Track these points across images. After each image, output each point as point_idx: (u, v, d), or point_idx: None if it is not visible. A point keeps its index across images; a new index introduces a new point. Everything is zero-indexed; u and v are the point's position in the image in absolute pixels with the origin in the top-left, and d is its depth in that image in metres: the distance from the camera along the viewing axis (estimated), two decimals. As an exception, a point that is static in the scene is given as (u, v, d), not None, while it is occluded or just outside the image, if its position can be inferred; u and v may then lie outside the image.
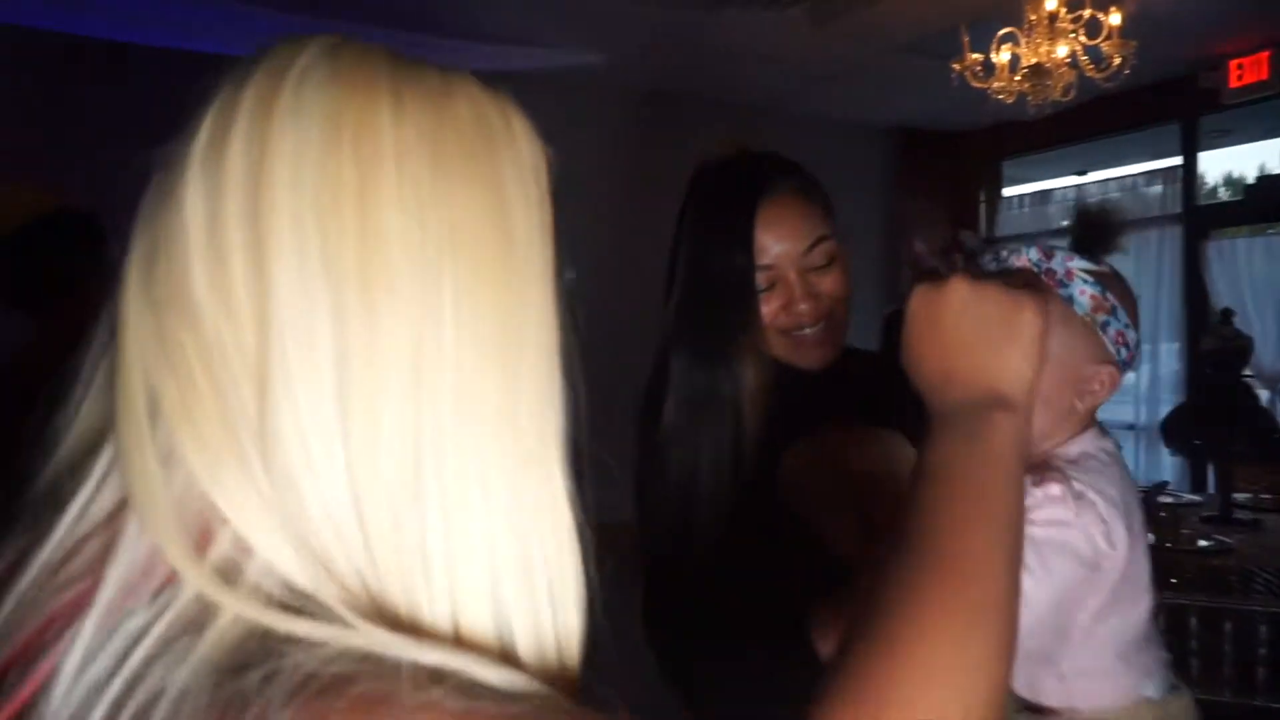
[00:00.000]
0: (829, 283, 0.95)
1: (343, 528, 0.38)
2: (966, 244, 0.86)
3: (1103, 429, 0.79)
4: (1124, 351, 0.74)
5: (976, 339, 0.57)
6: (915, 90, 5.16)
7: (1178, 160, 5.34)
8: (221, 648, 0.35)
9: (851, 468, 0.94)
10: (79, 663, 0.35)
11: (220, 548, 0.37)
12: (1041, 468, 0.73)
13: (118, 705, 0.34)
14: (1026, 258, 0.75)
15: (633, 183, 5.47)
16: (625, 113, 5.38)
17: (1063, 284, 0.73)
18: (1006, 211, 6.40)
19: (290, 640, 0.35)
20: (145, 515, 0.37)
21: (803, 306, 0.92)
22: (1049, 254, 0.74)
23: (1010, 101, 3.30)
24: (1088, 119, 5.06)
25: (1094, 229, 0.76)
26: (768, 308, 0.92)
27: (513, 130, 0.44)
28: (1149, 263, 5.37)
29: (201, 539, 0.37)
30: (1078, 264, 0.74)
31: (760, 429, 0.91)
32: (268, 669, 0.33)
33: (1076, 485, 0.69)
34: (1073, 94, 3.23)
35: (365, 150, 0.39)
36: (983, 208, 6.45)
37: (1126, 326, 0.74)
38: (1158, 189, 5.43)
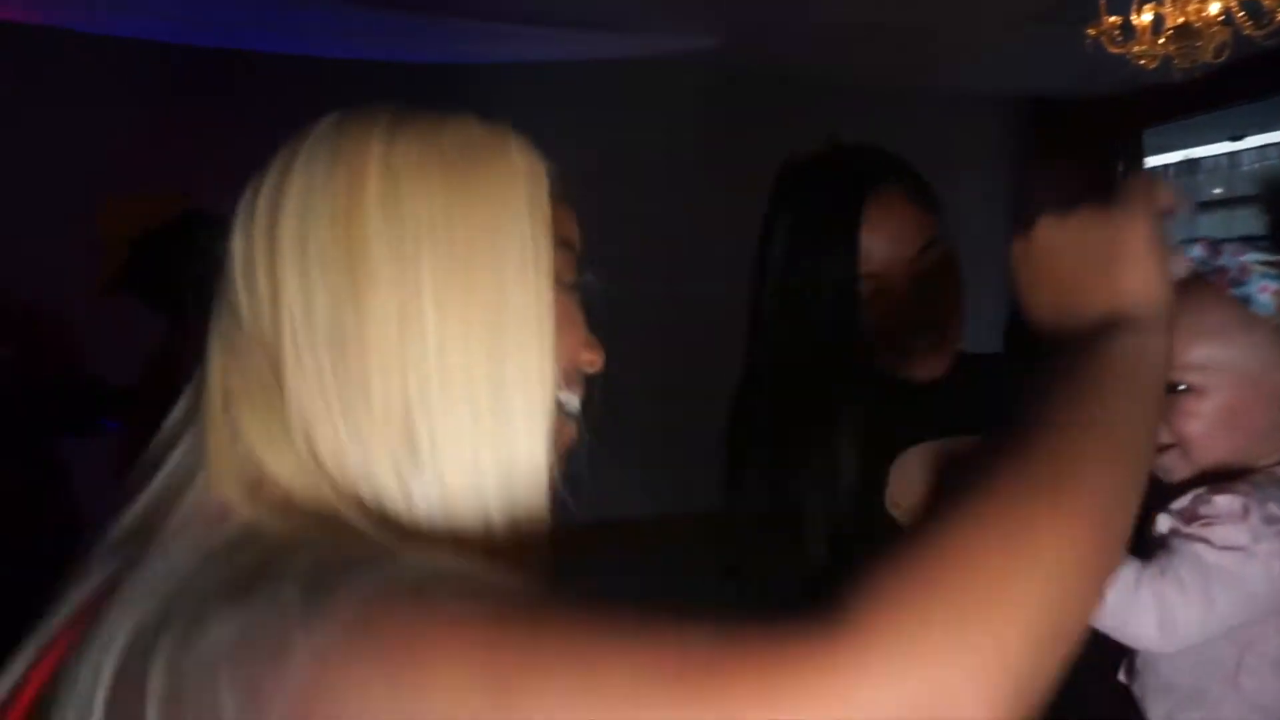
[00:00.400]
0: (940, 289, 0.87)
1: (356, 483, 0.47)
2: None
3: None
4: None
5: (1080, 266, 0.53)
6: (1043, 57, 4.85)
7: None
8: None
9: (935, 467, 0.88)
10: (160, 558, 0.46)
11: (268, 493, 0.47)
12: (1234, 480, 0.64)
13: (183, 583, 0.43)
14: (1190, 258, 0.65)
15: (749, 168, 5.40)
16: (737, 96, 5.30)
17: (1237, 282, 0.64)
18: (1148, 184, 5.97)
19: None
20: (215, 474, 0.48)
21: (912, 316, 0.86)
22: (1216, 249, 0.65)
23: (1152, 67, 3.04)
24: (1241, 79, 4.61)
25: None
26: (873, 317, 0.86)
27: (505, 147, 0.51)
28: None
29: (253, 491, 0.47)
30: (1253, 257, 0.65)
31: (866, 444, 0.85)
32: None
33: (1272, 508, 0.59)
34: (1226, 54, 2.94)
35: (355, 173, 0.48)
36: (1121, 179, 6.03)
37: None
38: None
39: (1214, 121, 5.87)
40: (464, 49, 4.17)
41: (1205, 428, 0.66)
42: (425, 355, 0.47)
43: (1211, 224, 5.55)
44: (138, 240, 1.82)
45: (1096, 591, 0.39)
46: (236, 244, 0.52)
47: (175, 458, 0.52)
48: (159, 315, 1.96)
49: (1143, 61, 3.01)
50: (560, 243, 0.53)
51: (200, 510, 0.48)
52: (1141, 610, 0.59)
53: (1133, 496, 0.42)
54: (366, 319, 0.47)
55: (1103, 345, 0.48)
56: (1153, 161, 6.07)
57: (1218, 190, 5.58)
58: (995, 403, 0.91)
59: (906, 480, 0.88)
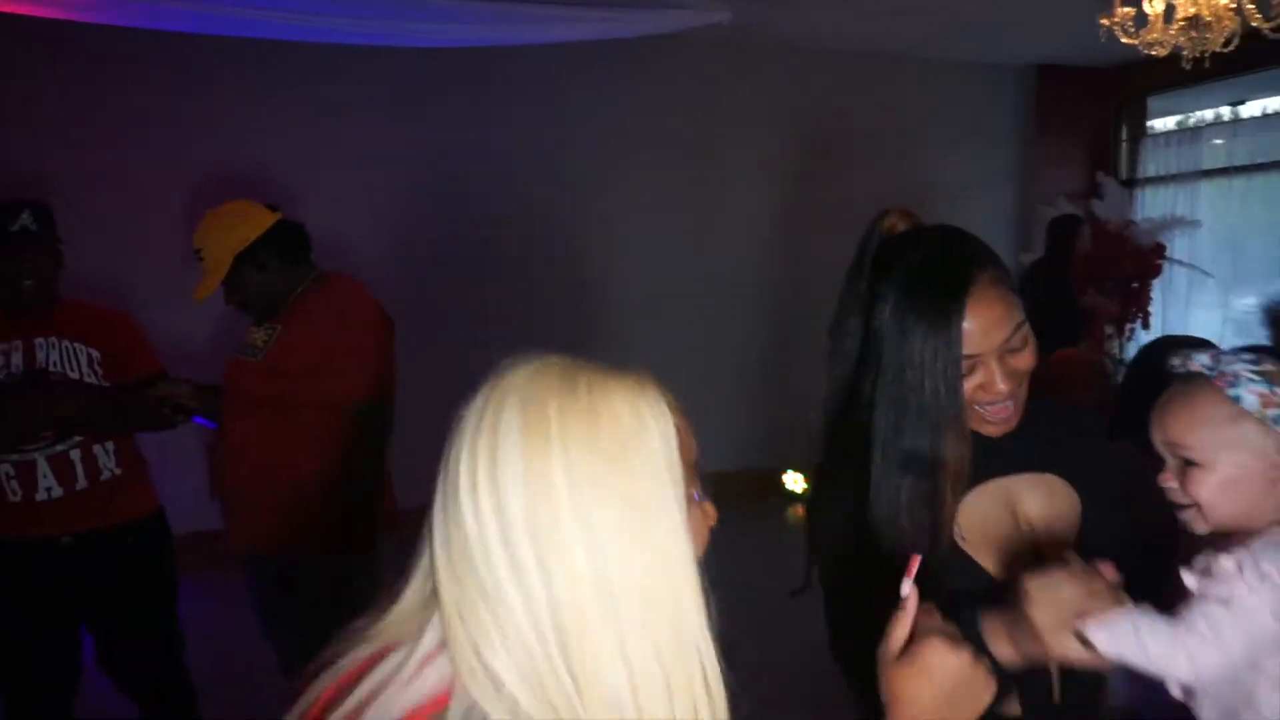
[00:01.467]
0: (1023, 360, 1.01)
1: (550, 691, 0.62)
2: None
3: None
4: None
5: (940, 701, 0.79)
6: (1054, 27, 4.93)
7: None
8: None
9: (1014, 508, 1.06)
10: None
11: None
12: (1233, 542, 0.81)
13: None
14: (1198, 364, 0.83)
15: (785, 137, 5.53)
16: (760, 68, 5.37)
17: (1231, 384, 0.81)
18: (1152, 150, 6.06)
19: None
20: (457, 665, 0.63)
21: (1002, 387, 0.99)
22: (1218, 358, 0.83)
23: (1163, 55, 3.17)
24: (1243, 52, 4.72)
25: (1276, 324, 0.84)
26: (968, 385, 0.99)
27: (643, 421, 0.67)
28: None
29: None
30: (1244, 365, 0.81)
31: (958, 496, 1.01)
32: None
33: (1265, 565, 0.77)
34: (1235, 44, 3.07)
35: (542, 477, 0.63)
36: (1124, 146, 6.12)
37: None
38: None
39: (1215, 89, 5.96)
40: (487, 33, 4.24)
41: (1210, 494, 0.83)
42: (611, 588, 0.63)
43: (1212, 191, 5.68)
44: (241, 253, 1.96)
45: None
46: (465, 509, 0.65)
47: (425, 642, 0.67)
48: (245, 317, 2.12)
49: (1155, 50, 3.13)
50: (692, 465, 0.71)
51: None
52: (1174, 657, 0.77)
53: None
54: (562, 567, 0.63)
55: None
56: (1158, 125, 6.17)
57: (1218, 165, 5.69)
58: (1042, 441, 1.08)
59: (974, 514, 1.05)
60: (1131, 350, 5.51)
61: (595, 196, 5.04)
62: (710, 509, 0.76)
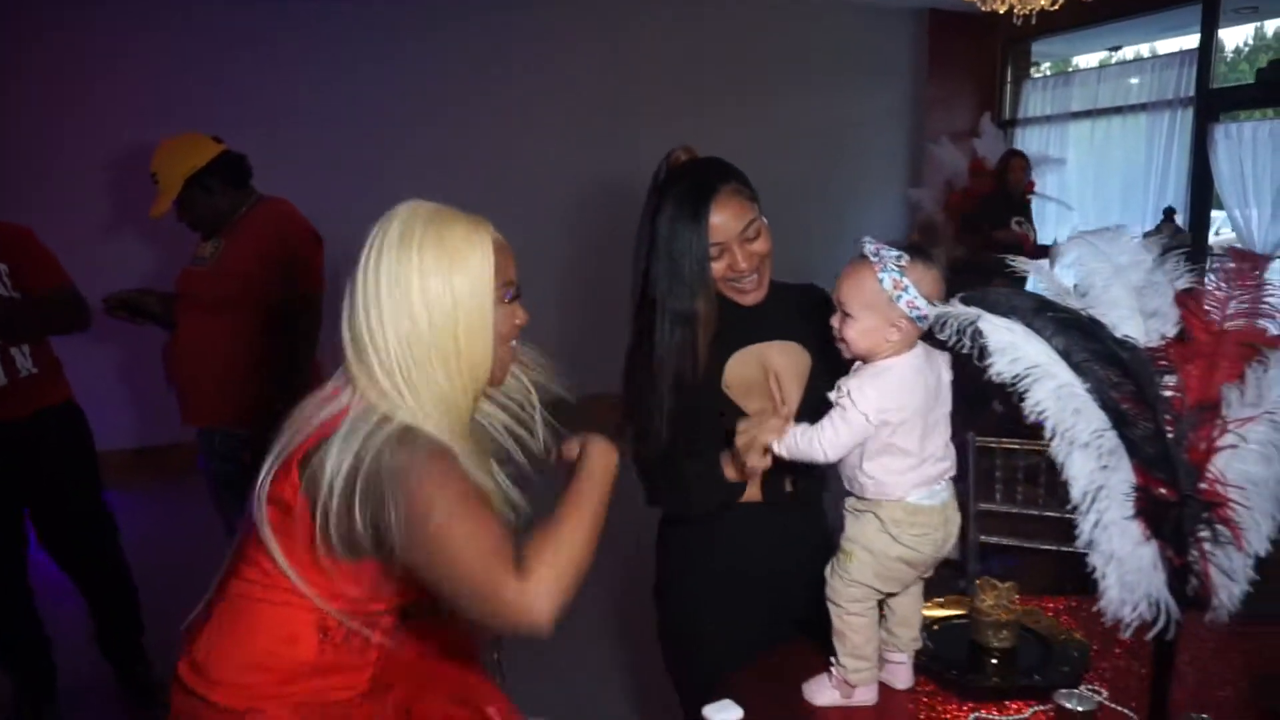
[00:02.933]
0: (758, 246, 1.45)
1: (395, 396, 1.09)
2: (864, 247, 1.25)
3: (929, 350, 1.24)
4: (914, 312, 1.19)
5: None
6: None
7: (1193, 41, 5.49)
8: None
9: (767, 367, 1.51)
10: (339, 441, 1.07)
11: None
12: (856, 372, 1.24)
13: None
14: (867, 251, 1.21)
15: (682, 73, 5.85)
16: (658, 3, 5.66)
17: (882, 269, 1.20)
18: (1031, 92, 6.58)
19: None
20: (356, 387, 1.11)
21: (743, 265, 1.44)
22: (879, 251, 1.21)
23: (1002, 11, 3.62)
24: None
25: (924, 232, 1.31)
26: (719, 266, 1.43)
27: (470, 242, 1.12)
28: (1158, 147, 5.63)
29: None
30: (890, 255, 1.20)
31: (708, 339, 1.46)
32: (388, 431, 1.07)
33: (854, 383, 1.20)
34: (1060, 3, 3.54)
35: (405, 269, 1.09)
36: (1008, 88, 6.63)
37: (916, 297, 1.18)
38: (1172, 71, 5.61)
39: (1096, 35, 6.47)
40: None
41: (854, 335, 1.23)
42: (422, 346, 1.09)
43: (1079, 131, 6.24)
44: (190, 177, 2.32)
45: (591, 547, 1.07)
46: (356, 283, 1.10)
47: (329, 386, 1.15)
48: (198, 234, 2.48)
49: (990, 7, 3.58)
50: (504, 281, 1.15)
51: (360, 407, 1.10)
52: (814, 446, 1.21)
53: (599, 518, 1.10)
54: (398, 334, 1.08)
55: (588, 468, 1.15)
56: (1036, 72, 6.68)
57: (1090, 107, 6.22)
58: (792, 318, 1.54)
59: (736, 370, 1.51)
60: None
61: (501, 136, 5.37)
62: (520, 310, 1.21)
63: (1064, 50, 6.84)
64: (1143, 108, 5.82)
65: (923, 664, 1.35)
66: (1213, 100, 5.36)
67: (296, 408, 1.14)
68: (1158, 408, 0.97)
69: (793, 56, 6.08)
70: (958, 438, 1.32)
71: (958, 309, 0.99)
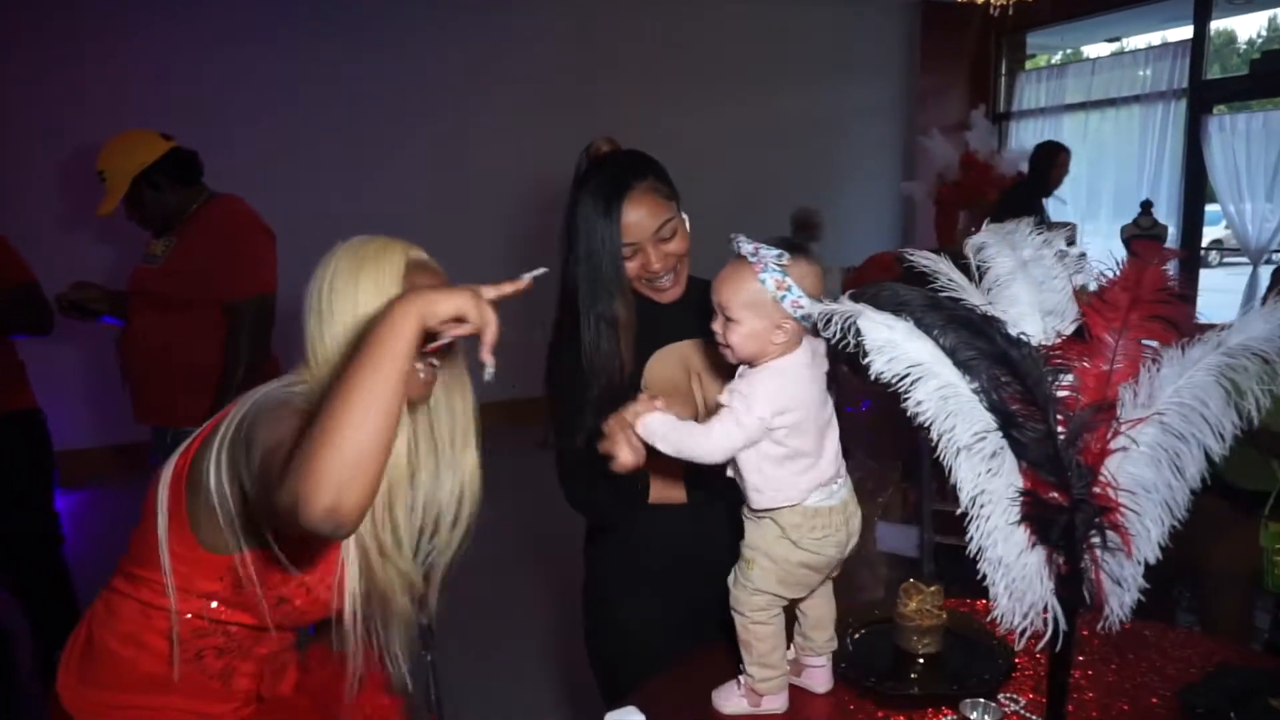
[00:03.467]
0: (673, 246, 1.41)
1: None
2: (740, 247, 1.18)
3: (815, 348, 1.19)
4: (798, 312, 1.13)
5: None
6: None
7: (1188, 32, 5.41)
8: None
9: (688, 365, 1.47)
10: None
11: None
12: (746, 375, 1.18)
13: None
14: (744, 250, 1.15)
15: (669, 62, 5.81)
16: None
17: (763, 269, 1.14)
18: (1025, 84, 6.51)
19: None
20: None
21: (656, 265, 1.39)
22: (757, 249, 1.15)
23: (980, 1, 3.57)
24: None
25: (800, 227, 1.26)
26: (632, 266, 1.39)
27: (380, 253, 1.15)
28: (1152, 139, 5.56)
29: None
30: (769, 255, 1.14)
31: (632, 342, 1.41)
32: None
33: (743, 387, 1.14)
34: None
35: (323, 279, 1.14)
36: (1003, 81, 6.57)
37: (800, 296, 1.13)
38: (1166, 63, 5.53)
39: (1090, 26, 6.40)
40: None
41: (737, 339, 1.17)
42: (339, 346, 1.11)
43: (1073, 123, 6.17)
44: (138, 175, 2.29)
45: (376, 428, 0.88)
46: (310, 297, 1.15)
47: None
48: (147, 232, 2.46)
49: None
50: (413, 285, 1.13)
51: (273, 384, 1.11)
52: (701, 445, 1.14)
53: (380, 393, 0.88)
54: (325, 335, 1.12)
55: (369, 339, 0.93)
56: (1031, 63, 6.61)
57: (1081, 99, 6.16)
58: (705, 312, 1.50)
59: (657, 370, 1.47)
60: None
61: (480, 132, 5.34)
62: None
63: (1059, 42, 6.77)
64: (1137, 100, 5.75)
65: (842, 670, 1.32)
66: (1206, 92, 5.29)
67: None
68: (1049, 408, 0.93)
69: (782, 49, 6.03)
70: (912, 438, 1.28)
71: (839, 305, 0.96)
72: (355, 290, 1.12)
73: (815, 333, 1.04)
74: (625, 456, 1.21)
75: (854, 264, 5.51)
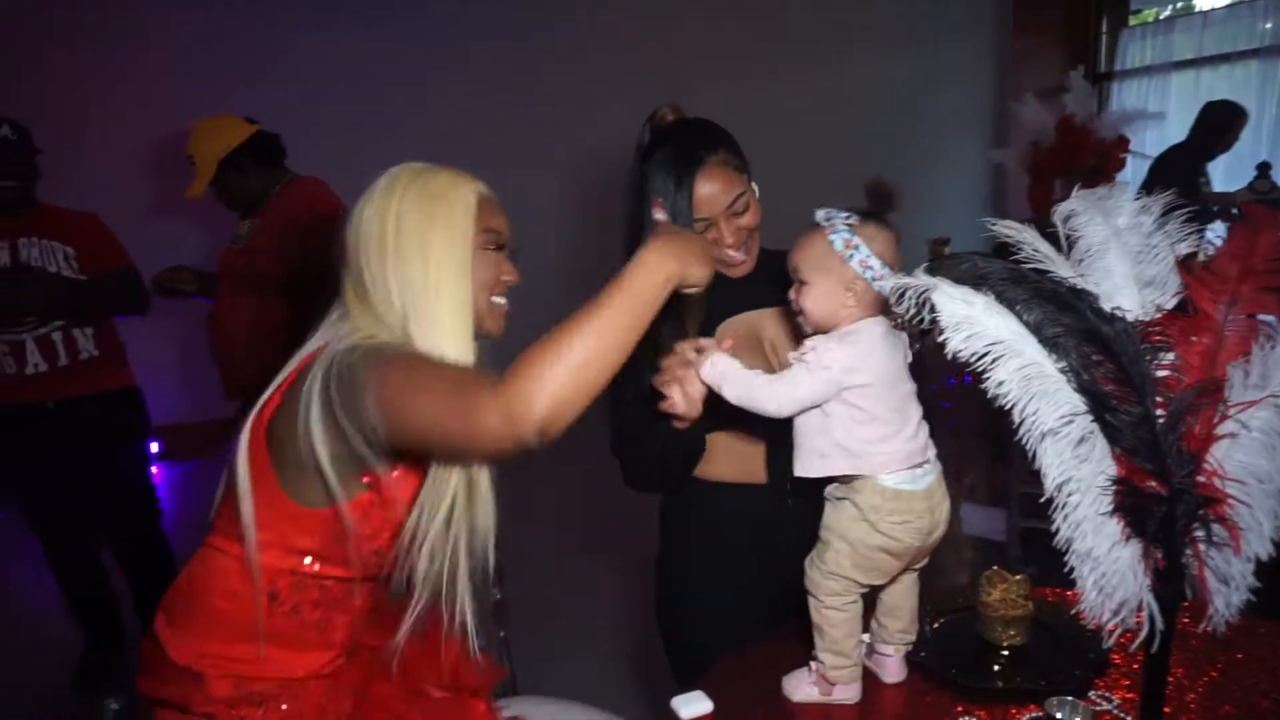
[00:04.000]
0: (746, 220, 1.37)
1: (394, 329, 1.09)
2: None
3: (887, 319, 1.15)
4: (869, 273, 1.12)
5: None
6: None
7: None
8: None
9: (760, 334, 1.43)
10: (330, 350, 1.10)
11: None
12: (821, 339, 1.14)
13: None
14: (819, 216, 1.15)
15: (748, 28, 5.67)
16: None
17: (833, 229, 1.14)
18: (1128, 42, 6.11)
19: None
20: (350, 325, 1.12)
21: (729, 240, 1.35)
22: (830, 215, 1.15)
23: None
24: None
25: (874, 196, 1.20)
26: (706, 240, 1.33)
27: (453, 192, 1.13)
28: (1270, 97, 5.16)
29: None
30: (839, 218, 1.14)
31: (700, 316, 1.37)
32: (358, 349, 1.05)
33: (835, 348, 1.11)
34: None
35: (386, 214, 1.11)
36: (1103, 39, 6.18)
37: (868, 255, 1.12)
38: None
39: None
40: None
41: (810, 303, 1.16)
42: (412, 286, 1.09)
43: (1182, 83, 5.77)
44: (225, 158, 2.37)
45: (598, 355, 0.96)
46: (349, 236, 1.13)
47: (331, 319, 1.16)
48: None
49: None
50: (484, 228, 1.14)
51: (339, 335, 1.11)
52: (770, 394, 1.12)
53: (618, 327, 0.97)
54: (391, 274, 1.10)
55: (626, 276, 1.02)
56: (1136, 19, 6.20)
57: (1190, 55, 5.75)
58: (782, 283, 1.44)
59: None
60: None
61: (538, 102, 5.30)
62: (507, 265, 1.20)
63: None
64: (1255, 54, 5.33)
65: (921, 659, 1.26)
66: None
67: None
68: (1145, 389, 0.85)
69: (857, 8, 5.79)
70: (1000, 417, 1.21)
71: (913, 279, 0.90)
72: (428, 230, 1.10)
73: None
74: (678, 398, 1.20)
75: (940, 235, 5.35)
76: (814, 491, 1.49)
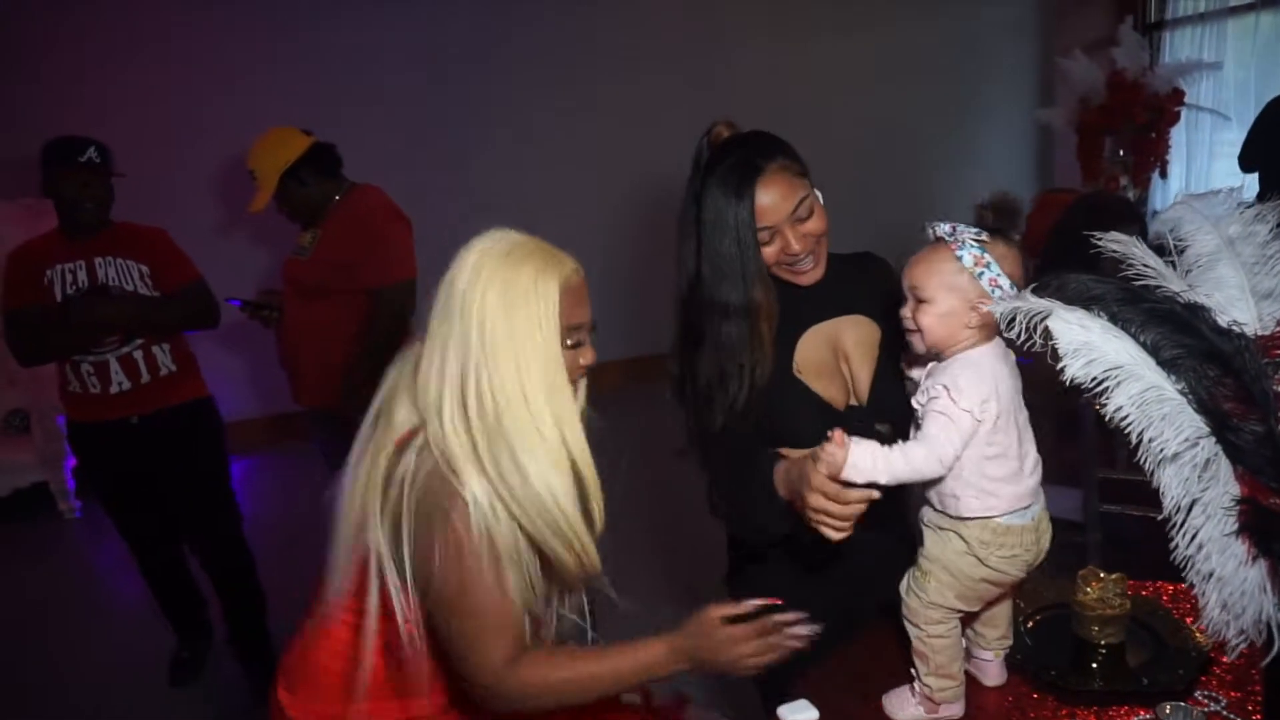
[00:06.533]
0: (811, 226, 1.35)
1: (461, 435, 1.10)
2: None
3: (1003, 346, 1.12)
4: (997, 291, 1.07)
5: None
6: None
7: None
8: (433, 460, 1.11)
9: (835, 345, 1.43)
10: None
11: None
12: (939, 370, 1.11)
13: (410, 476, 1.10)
14: (940, 231, 1.11)
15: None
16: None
17: (960, 247, 1.09)
18: (1181, -11, 5.89)
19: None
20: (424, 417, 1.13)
21: (796, 247, 1.33)
22: (955, 229, 1.11)
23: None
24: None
25: (1000, 212, 1.16)
26: (771, 251, 1.33)
27: (541, 279, 1.12)
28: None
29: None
30: (968, 233, 1.10)
31: (774, 329, 1.36)
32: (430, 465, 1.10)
33: (958, 381, 1.07)
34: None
35: (471, 304, 1.11)
36: (1154, -14, 5.97)
37: (999, 275, 1.07)
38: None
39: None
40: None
41: (930, 321, 1.10)
42: (506, 391, 1.10)
43: (1256, 25, 5.56)
44: (286, 170, 2.40)
45: (584, 699, 1.18)
46: (438, 307, 1.14)
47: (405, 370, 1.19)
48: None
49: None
50: (568, 327, 1.14)
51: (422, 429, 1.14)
52: (929, 462, 1.06)
53: (609, 688, 1.17)
54: (485, 378, 1.10)
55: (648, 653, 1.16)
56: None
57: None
58: (854, 289, 1.43)
59: (806, 353, 1.42)
60: (1153, 199, 5.60)
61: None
62: (588, 352, 1.20)
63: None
64: (1316, -4, 5.12)
65: (1018, 662, 1.27)
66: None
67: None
68: (1268, 406, 0.84)
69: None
70: (1071, 397, 1.17)
71: (1027, 302, 0.89)
72: (513, 341, 1.10)
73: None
74: (838, 536, 1.13)
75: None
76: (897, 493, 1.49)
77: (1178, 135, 5.47)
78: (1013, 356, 1.14)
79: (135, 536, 2.71)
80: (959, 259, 1.09)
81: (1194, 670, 1.21)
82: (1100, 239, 0.96)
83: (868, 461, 1.08)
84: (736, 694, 2.57)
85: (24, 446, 4.15)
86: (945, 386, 1.08)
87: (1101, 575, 1.33)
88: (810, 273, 1.39)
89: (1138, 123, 5.27)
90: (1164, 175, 5.42)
